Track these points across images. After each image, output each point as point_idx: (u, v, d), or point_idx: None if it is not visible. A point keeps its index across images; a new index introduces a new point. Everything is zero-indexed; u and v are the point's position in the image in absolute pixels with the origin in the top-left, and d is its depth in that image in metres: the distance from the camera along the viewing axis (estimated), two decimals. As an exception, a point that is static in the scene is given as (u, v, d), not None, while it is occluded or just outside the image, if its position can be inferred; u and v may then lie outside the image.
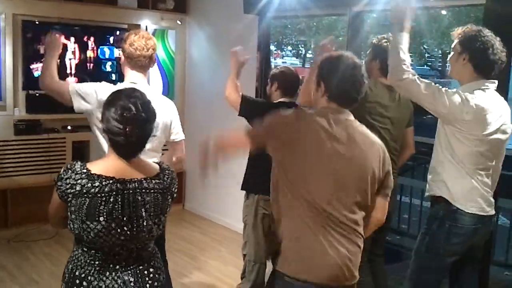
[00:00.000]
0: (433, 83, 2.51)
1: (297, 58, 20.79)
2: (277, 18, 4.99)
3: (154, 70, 5.78)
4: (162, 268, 2.11)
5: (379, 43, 3.15)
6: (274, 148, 2.17)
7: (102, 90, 2.71)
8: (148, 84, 3.00)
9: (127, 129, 1.84)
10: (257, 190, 3.38)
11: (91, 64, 5.32)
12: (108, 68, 5.45)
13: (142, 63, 2.80)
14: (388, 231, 3.46)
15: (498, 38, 2.49)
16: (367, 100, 2.98)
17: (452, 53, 2.59)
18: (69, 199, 1.84)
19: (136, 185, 1.91)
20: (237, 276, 3.64)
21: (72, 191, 1.83)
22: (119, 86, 2.79)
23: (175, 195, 2.06)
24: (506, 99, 2.68)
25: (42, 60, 2.88)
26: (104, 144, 2.74)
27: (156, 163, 2.08)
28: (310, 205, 2.06)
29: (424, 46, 16.64)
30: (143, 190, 1.92)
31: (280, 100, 3.41)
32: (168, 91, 5.80)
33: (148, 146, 2.02)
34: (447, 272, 2.73)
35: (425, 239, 2.63)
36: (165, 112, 2.88)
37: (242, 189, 3.52)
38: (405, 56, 2.57)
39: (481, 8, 3.34)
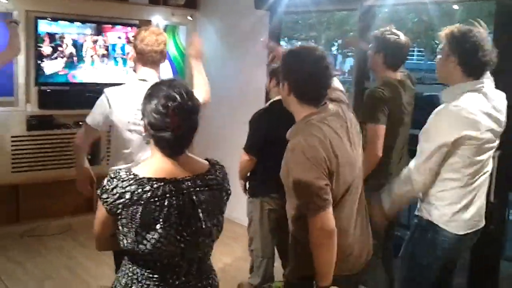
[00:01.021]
0: (424, 156, 2.37)
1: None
2: (288, 13, 4.99)
3: (165, 66, 5.79)
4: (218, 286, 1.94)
5: (382, 35, 3.07)
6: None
7: (110, 93, 2.78)
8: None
9: (174, 121, 1.65)
10: (263, 193, 3.38)
11: (104, 60, 5.35)
12: (120, 64, 5.48)
13: (154, 59, 2.80)
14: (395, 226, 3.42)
15: (489, 38, 2.37)
16: (380, 110, 2.96)
17: (439, 55, 2.45)
18: (119, 210, 1.65)
19: (190, 184, 1.72)
20: (248, 271, 3.65)
21: (121, 201, 1.64)
22: (128, 85, 2.82)
23: (229, 192, 1.87)
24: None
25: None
26: (122, 145, 2.78)
27: (205, 159, 1.88)
28: (348, 201, 2.11)
29: (436, 41, 16.53)
30: (197, 189, 1.73)
31: (277, 98, 3.29)
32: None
33: None
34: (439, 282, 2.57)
35: (408, 247, 2.54)
36: None
37: (249, 195, 3.50)
38: (403, 183, 2.50)
39: (493, 3, 3.31)
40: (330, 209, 1.98)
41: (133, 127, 2.70)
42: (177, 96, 1.67)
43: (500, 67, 3.07)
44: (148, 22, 5.59)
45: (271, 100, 3.37)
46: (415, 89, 3.28)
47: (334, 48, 19.62)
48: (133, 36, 2.88)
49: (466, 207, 2.40)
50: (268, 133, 3.23)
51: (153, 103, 1.68)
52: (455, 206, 2.39)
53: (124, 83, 2.92)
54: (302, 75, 2.07)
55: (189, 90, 1.73)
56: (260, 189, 3.36)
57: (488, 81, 2.43)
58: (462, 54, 2.33)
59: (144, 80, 2.74)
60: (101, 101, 2.79)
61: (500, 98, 2.47)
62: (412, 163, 2.43)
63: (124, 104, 2.72)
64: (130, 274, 1.75)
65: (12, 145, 4.91)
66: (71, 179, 5.19)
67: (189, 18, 5.88)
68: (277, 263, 3.60)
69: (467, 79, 2.36)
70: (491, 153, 2.44)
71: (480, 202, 2.47)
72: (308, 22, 17.24)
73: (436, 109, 2.39)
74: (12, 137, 4.90)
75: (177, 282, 1.74)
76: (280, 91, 2.19)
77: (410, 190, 2.45)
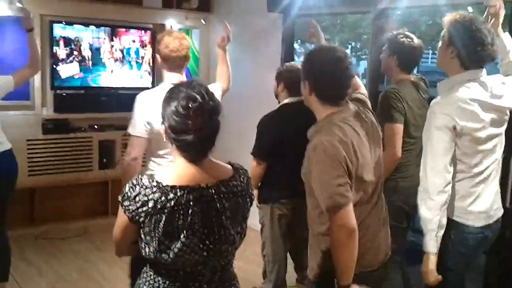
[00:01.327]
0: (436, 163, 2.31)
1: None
2: (301, 16, 4.97)
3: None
4: None
5: (396, 38, 3.08)
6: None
7: (142, 97, 2.81)
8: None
9: (196, 122, 1.58)
10: (273, 199, 3.35)
11: (119, 64, 5.39)
12: (134, 68, 5.51)
13: (179, 64, 2.85)
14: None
15: (492, 31, 2.32)
16: (397, 110, 2.96)
17: (440, 42, 2.41)
18: (142, 219, 1.59)
19: (214, 191, 1.66)
20: (261, 275, 3.64)
21: (145, 209, 1.58)
22: (160, 87, 2.83)
23: (253, 197, 1.81)
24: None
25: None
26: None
27: (228, 163, 1.82)
28: (368, 200, 2.15)
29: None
30: (221, 196, 1.67)
31: (285, 101, 3.31)
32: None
33: None
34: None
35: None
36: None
37: (258, 202, 3.45)
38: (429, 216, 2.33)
39: (508, 6, 3.27)
40: (350, 207, 1.99)
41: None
42: (198, 97, 1.60)
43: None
44: (162, 26, 5.63)
45: (280, 104, 3.35)
46: (429, 91, 3.24)
47: (347, 51, 19.56)
48: (157, 41, 2.90)
49: (478, 197, 2.37)
50: (277, 137, 3.21)
51: (173, 105, 1.61)
52: (468, 198, 2.36)
53: (155, 87, 2.96)
54: (323, 75, 2.10)
55: (210, 90, 1.67)
56: (269, 194, 3.34)
57: (484, 70, 2.37)
58: (461, 46, 2.29)
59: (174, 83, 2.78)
60: (136, 108, 2.80)
61: (497, 82, 2.42)
62: (426, 170, 2.35)
63: (157, 107, 2.74)
64: (151, 282, 1.71)
65: (28, 149, 4.95)
66: (86, 183, 5.29)
67: (203, 21, 5.90)
68: (290, 267, 3.58)
69: (464, 70, 2.33)
70: (496, 140, 2.38)
71: (493, 190, 2.43)
72: (321, 25, 17.20)
73: (432, 102, 2.38)
74: (27, 140, 4.95)
75: None
76: (302, 90, 2.22)
77: (437, 200, 2.30)
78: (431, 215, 2.29)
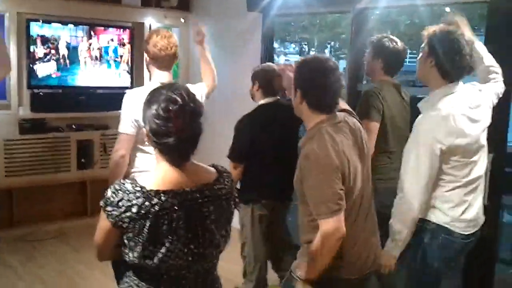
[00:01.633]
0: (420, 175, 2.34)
1: (300, 55, 20.81)
2: (280, 15, 4.99)
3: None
4: None
5: (380, 42, 3.11)
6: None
7: (130, 94, 2.80)
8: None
9: (176, 125, 1.57)
10: (253, 200, 3.34)
11: (97, 63, 5.33)
12: (113, 67, 5.46)
13: (167, 62, 2.86)
14: None
15: (471, 42, 2.38)
16: (374, 107, 2.99)
17: (420, 54, 2.46)
18: (125, 224, 1.56)
19: (198, 195, 1.64)
20: (241, 274, 3.64)
21: (128, 214, 1.55)
22: (149, 86, 2.81)
23: (236, 200, 1.81)
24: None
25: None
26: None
27: (211, 165, 1.81)
28: (357, 206, 2.16)
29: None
30: (206, 200, 1.65)
31: (261, 102, 3.31)
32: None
33: None
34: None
35: (418, 253, 2.48)
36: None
37: (240, 201, 3.45)
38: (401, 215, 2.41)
39: (485, 5, 3.32)
40: (342, 214, 2.02)
41: None
42: (178, 98, 1.58)
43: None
44: (141, 24, 5.60)
45: (257, 105, 3.33)
46: (408, 94, 3.27)
47: (327, 50, 19.67)
48: (145, 40, 2.90)
49: (470, 206, 2.42)
50: (253, 139, 3.21)
51: (153, 108, 1.59)
52: (460, 207, 2.40)
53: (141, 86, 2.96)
54: (314, 83, 2.13)
55: (191, 92, 1.65)
56: (250, 195, 3.33)
57: (460, 83, 2.42)
58: (439, 56, 2.34)
59: (163, 83, 2.77)
60: (124, 105, 2.79)
61: (474, 92, 2.46)
62: (404, 186, 2.39)
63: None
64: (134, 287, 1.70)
65: (4, 149, 4.87)
66: (65, 183, 5.22)
67: (182, 20, 5.87)
68: (268, 267, 3.59)
69: (442, 81, 2.37)
70: (482, 150, 2.44)
71: (479, 199, 2.49)
72: (301, 24, 17.27)
73: (416, 121, 2.40)
74: (4, 140, 4.87)
75: None
76: (292, 99, 2.24)
77: (412, 215, 2.37)
78: (401, 227, 2.38)
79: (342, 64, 18.10)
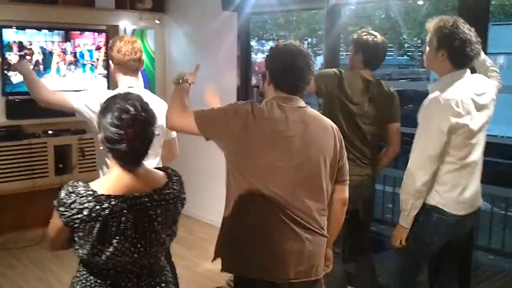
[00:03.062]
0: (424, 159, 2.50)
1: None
2: (255, 14, 5.00)
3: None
4: (172, 281, 2.00)
5: (360, 37, 3.17)
6: (223, 140, 2.15)
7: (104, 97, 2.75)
8: (143, 87, 3.04)
9: (128, 133, 1.67)
10: None
11: (72, 67, 5.28)
12: (88, 71, 5.42)
13: (133, 67, 2.86)
14: (369, 227, 3.50)
15: (473, 30, 2.49)
16: (336, 88, 3.06)
17: (428, 47, 2.60)
18: (76, 225, 1.67)
19: (147, 200, 1.75)
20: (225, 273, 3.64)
21: (79, 216, 1.65)
22: (116, 91, 2.80)
23: (185, 201, 1.91)
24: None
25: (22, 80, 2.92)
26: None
27: (161, 169, 1.92)
28: (267, 199, 2.06)
29: (403, 36, 16.74)
30: (154, 203, 1.76)
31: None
32: (149, 91, 5.76)
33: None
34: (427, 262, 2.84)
35: (412, 229, 2.61)
36: (162, 113, 2.89)
37: None
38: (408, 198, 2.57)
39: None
40: None
41: None
42: (131, 108, 1.69)
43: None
44: (115, 27, 5.56)
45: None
46: (391, 94, 3.26)
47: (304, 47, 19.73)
48: (109, 47, 2.90)
49: (465, 188, 2.55)
50: None
51: (108, 116, 1.69)
52: (456, 189, 2.54)
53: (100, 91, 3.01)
54: (282, 65, 2.17)
55: (144, 102, 1.75)
56: None
57: (468, 70, 2.57)
58: (451, 49, 2.48)
59: (131, 87, 2.81)
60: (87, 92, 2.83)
61: (480, 80, 2.62)
62: (411, 160, 2.56)
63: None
64: (84, 281, 1.80)
65: (-20, 157, 4.79)
66: (43, 189, 5.16)
67: (157, 21, 5.85)
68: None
69: (453, 69, 2.51)
70: (482, 133, 2.59)
71: (476, 181, 2.63)
72: (277, 22, 17.29)
73: (425, 101, 2.54)
74: (-20, 149, 4.79)
75: (129, 284, 1.79)
76: (262, 84, 2.29)
77: (416, 184, 2.52)
78: (406, 197, 2.56)
79: (320, 60, 18.22)
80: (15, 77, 4.93)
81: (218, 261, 2.27)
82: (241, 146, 2.08)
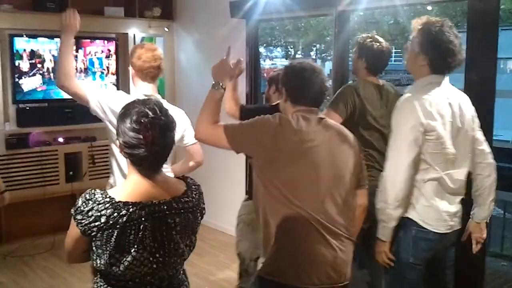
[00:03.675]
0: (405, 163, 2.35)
1: (286, 59, 20.84)
2: (263, 20, 5.01)
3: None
4: None
5: (364, 42, 3.14)
6: (254, 153, 2.19)
7: (121, 101, 2.75)
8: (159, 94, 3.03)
9: (147, 137, 1.64)
10: None
11: (82, 75, 5.32)
12: (98, 79, 5.45)
13: (153, 74, 2.88)
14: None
15: (459, 36, 2.39)
16: (357, 106, 2.98)
17: (409, 47, 2.48)
18: (94, 233, 1.63)
19: (166, 207, 1.70)
20: (234, 280, 3.63)
21: (97, 224, 1.62)
22: (133, 97, 2.81)
23: (204, 211, 1.87)
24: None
25: (58, 53, 2.86)
26: (118, 163, 2.79)
27: (181, 177, 1.89)
28: (300, 211, 2.09)
29: (412, 41, 16.67)
30: (173, 212, 1.72)
31: (278, 101, 3.36)
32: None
33: None
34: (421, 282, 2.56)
35: (392, 248, 2.48)
36: (179, 122, 2.91)
37: (247, 197, 3.47)
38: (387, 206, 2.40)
39: (466, 2, 3.35)
40: None
41: None
42: (149, 112, 1.66)
43: (471, 64, 3.12)
44: (125, 35, 5.60)
45: (272, 104, 3.39)
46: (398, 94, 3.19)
47: (312, 53, 19.74)
48: (130, 54, 2.93)
49: (443, 206, 2.42)
50: None
51: (127, 121, 1.67)
52: (432, 205, 2.41)
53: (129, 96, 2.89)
54: (299, 81, 2.22)
55: (164, 107, 1.72)
56: None
57: (447, 77, 2.47)
58: (431, 55, 2.38)
59: (147, 94, 2.83)
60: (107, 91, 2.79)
61: (459, 93, 2.51)
62: (387, 167, 2.42)
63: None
64: None
65: (-9, 165, 4.83)
66: (54, 197, 5.19)
67: (166, 29, 5.88)
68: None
69: (431, 73, 2.42)
70: (463, 150, 2.43)
71: (455, 203, 2.48)
72: (285, 28, 17.32)
73: (398, 103, 2.46)
74: (-9, 157, 4.83)
75: None
76: (280, 101, 2.32)
77: (393, 192, 2.36)
78: (383, 206, 2.39)
79: (329, 66, 18.21)
80: (26, 85, 4.98)
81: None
82: (271, 156, 2.12)
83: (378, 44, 3.12)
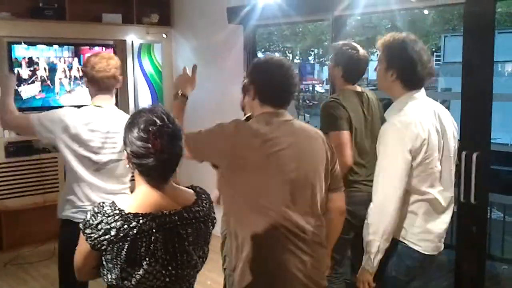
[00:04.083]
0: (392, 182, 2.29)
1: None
2: (261, 26, 5.03)
3: (142, 84, 5.81)
4: None
5: (341, 50, 3.02)
6: (217, 161, 2.16)
7: (69, 114, 2.68)
8: (116, 106, 2.91)
9: (155, 145, 1.60)
10: None
11: (80, 82, 5.33)
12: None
13: (107, 84, 2.75)
14: None
15: (425, 47, 2.36)
16: (341, 117, 2.87)
17: (377, 65, 2.44)
18: (104, 247, 1.59)
19: (177, 218, 1.66)
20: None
21: (107, 237, 1.58)
22: (84, 109, 2.74)
23: (215, 220, 1.83)
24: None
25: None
26: (72, 169, 2.71)
27: (189, 186, 1.84)
28: (267, 218, 2.04)
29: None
30: (184, 222, 1.67)
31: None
32: (156, 104, 5.79)
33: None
34: None
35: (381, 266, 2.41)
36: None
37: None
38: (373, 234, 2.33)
39: (462, 6, 3.37)
40: None
41: (86, 154, 2.69)
42: (157, 120, 1.62)
43: (468, 67, 3.13)
44: (123, 42, 5.62)
45: (246, 116, 3.29)
46: (378, 102, 3.14)
47: (310, 58, 19.78)
48: (83, 64, 2.82)
49: (431, 227, 2.38)
50: None
51: (134, 131, 1.63)
52: (420, 225, 2.36)
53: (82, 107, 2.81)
54: (267, 79, 2.14)
55: (171, 115, 1.68)
56: None
57: (423, 90, 2.42)
58: (400, 69, 2.34)
59: (99, 106, 2.74)
60: (56, 117, 2.68)
61: (438, 105, 2.46)
62: (377, 195, 2.35)
63: (77, 125, 2.67)
64: None
65: (-9, 173, 4.84)
66: (54, 204, 5.17)
67: (164, 35, 5.90)
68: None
69: (404, 90, 2.37)
70: (446, 167, 2.38)
71: (444, 223, 2.43)
72: (283, 33, 17.37)
73: (382, 128, 2.39)
74: (-10, 164, 4.84)
75: None
76: (248, 99, 2.26)
77: (384, 224, 2.30)
78: (373, 237, 2.32)
79: (327, 71, 18.25)
80: (25, 93, 4.98)
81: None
82: (234, 164, 2.06)
83: (354, 51, 2.99)
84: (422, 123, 2.27)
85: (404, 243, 2.38)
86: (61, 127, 2.64)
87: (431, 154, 2.29)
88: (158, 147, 1.60)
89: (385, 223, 2.29)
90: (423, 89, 2.40)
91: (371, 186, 2.68)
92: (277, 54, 20.42)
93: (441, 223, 2.41)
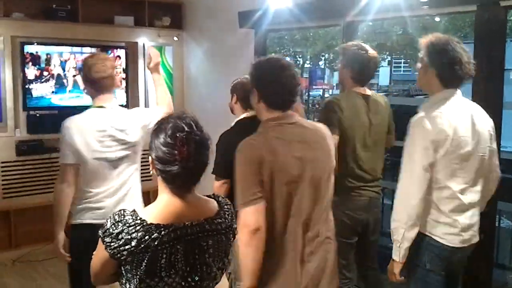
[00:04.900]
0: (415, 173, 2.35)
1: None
2: (272, 31, 5.04)
3: (152, 86, 5.82)
4: None
5: (349, 50, 3.00)
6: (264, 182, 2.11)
7: (69, 134, 2.74)
8: (119, 105, 2.94)
9: (182, 152, 1.55)
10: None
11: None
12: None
13: (105, 84, 2.77)
14: (377, 244, 3.27)
15: (467, 50, 2.41)
16: (342, 120, 2.88)
17: (419, 64, 2.50)
18: (124, 257, 1.55)
19: (198, 229, 1.62)
20: None
21: (127, 247, 1.53)
22: (89, 112, 2.78)
23: (236, 231, 1.79)
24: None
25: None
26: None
27: (212, 196, 1.79)
28: (294, 221, 2.10)
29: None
30: (206, 234, 1.63)
31: (242, 116, 3.12)
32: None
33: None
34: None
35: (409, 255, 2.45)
36: (139, 117, 2.91)
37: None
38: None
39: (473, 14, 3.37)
40: (257, 207, 2.02)
41: (98, 155, 2.72)
42: (185, 127, 1.58)
43: (479, 75, 3.12)
44: (134, 44, 5.66)
45: (236, 120, 3.18)
46: (388, 105, 3.14)
47: (321, 63, 19.78)
48: (81, 65, 2.84)
49: (458, 221, 2.39)
50: (230, 153, 3.06)
51: (161, 136, 1.59)
52: (443, 220, 2.39)
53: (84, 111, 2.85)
54: (270, 82, 2.16)
55: (199, 123, 1.64)
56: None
57: (459, 90, 2.46)
58: (440, 67, 2.39)
59: (101, 106, 2.77)
60: (65, 136, 2.74)
61: (475, 106, 2.50)
62: (400, 185, 2.40)
63: (86, 132, 2.72)
64: None
65: (1, 171, 4.90)
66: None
67: (175, 38, 5.93)
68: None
69: (443, 88, 2.42)
70: (480, 172, 2.42)
71: (475, 217, 2.47)
72: (294, 38, 17.39)
73: (412, 120, 2.42)
74: (1, 162, 4.90)
75: None
76: (251, 100, 2.27)
77: (407, 212, 2.35)
78: (397, 225, 2.38)
79: (337, 76, 18.23)
80: (36, 91, 5.03)
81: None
82: (268, 181, 2.08)
83: (363, 52, 2.96)
84: (449, 119, 2.33)
85: (430, 236, 2.41)
86: (72, 151, 2.71)
87: (454, 151, 2.33)
88: (184, 154, 1.56)
89: (408, 208, 2.34)
90: (459, 90, 2.45)
91: (372, 191, 2.70)
92: (288, 59, 20.46)
93: (465, 218, 2.41)
